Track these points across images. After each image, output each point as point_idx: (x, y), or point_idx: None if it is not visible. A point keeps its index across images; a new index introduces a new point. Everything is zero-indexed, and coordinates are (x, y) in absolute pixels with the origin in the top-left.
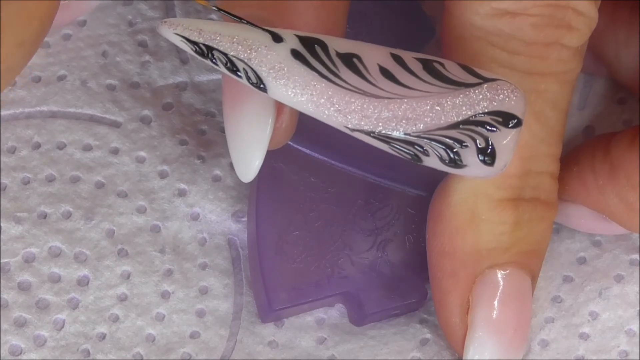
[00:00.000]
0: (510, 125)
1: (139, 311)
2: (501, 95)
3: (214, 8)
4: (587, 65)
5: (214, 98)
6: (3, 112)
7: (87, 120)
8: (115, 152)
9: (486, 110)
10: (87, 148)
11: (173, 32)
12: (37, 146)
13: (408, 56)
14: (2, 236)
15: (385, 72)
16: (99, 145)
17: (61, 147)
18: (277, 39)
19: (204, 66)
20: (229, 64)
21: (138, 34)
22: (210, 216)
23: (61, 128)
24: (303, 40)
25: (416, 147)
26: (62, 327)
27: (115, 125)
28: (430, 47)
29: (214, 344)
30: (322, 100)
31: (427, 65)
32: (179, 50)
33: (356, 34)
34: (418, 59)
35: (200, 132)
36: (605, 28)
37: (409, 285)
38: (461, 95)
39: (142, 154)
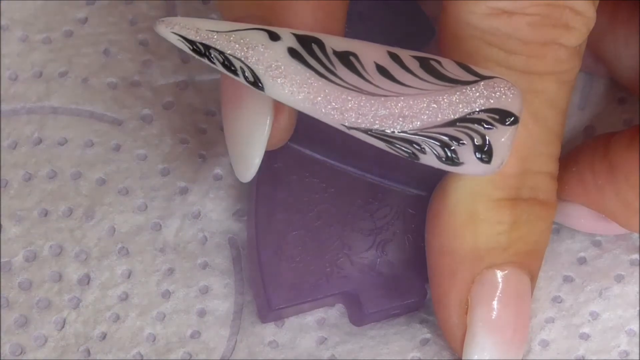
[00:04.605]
0: (507, 122)
1: (139, 311)
2: (498, 93)
3: None
4: (587, 65)
5: (214, 97)
6: (4, 107)
7: (88, 117)
8: (116, 149)
9: (483, 108)
10: (88, 144)
11: (170, 31)
12: (38, 142)
13: (405, 54)
14: (2, 235)
15: (382, 70)
16: (100, 142)
17: (62, 143)
18: (274, 37)
19: (204, 65)
20: (226, 63)
21: (139, 33)
22: (211, 215)
23: (62, 124)
24: (300, 38)
25: (413, 145)
26: (63, 327)
27: (116, 122)
28: (430, 47)
29: (214, 344)
30: (319, 99)
31: (424, 63)
32: (179, 49)
33: (355, 34)
34: (415, 57)
35: (201, 131)
36: (605, 28)
37: (408, 285)
38: (458, 93)
39: (143, 151)
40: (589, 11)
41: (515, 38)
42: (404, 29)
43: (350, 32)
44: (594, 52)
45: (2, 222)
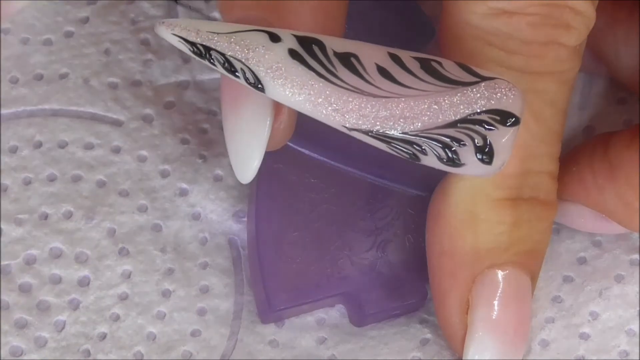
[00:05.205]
0: (508, 123)
1: (139, 310)
2: (499, 94)
3: None
4: (587, 64)
5: (215, 97)
6: (4, 111)
7: (89, 118)
8: (116, 150)
9: (484, 109)
10: (89, 147)
11: (171, 32)
12: (39, 145)
13: (406, 55)
14: (3, 238)
15: (383, 71)
16: (101, 144)
17: (62, 145)
18: (274, 38)
19: (205, 65)
20: (226, 65)
21: (140, 32)
22: (211, 216)
23: (63, 126)
24: (300, 39)
25: (414, 146)
26: (63, 328)
27: (116, 124)
28: (429, 47)
29: (214, 342)
30: (320, 100)
31: (425, 64)
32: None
33: (356, 34)
34: (416, 58)
35: (202, 131)
36: (604, 27)
37: (409, 286)
38: (459, 94)
39: (144, 152)
40: (589, 11)
41: (516, 38)
42: (404, 29)
43: (350, 32)
44: (594, 52)
45: (2, 226)
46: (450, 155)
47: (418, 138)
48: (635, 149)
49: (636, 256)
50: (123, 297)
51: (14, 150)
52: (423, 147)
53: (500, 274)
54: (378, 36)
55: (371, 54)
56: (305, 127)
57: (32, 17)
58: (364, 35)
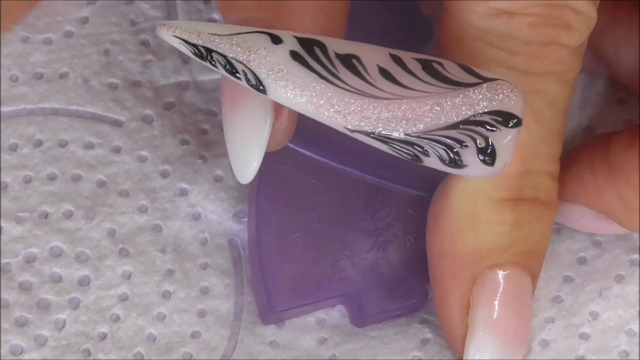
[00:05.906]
0: (510, 124)
1: (139, 311)
2: (501, 95)
3: None
4: (587, 64)
5: (215, 97)
6: (5, 109)
7: (89, 118)
8: (116, 150)
9: (486, 110)
10: (89, 146)
11: (172, 34)
12: (39, 144)
13: (407, 56)
14: (3, 236)
15: (385, 73)
16: (101, 144)
17: (63, 144)
18: (276, 40)
19: (205, 65)
20: (228, 66)
21: (140, 33)
22: (211, 216)
23: (63, 126)
24: (302, 41)
25: (416, 147)
26: (63, 326)
27: (117, 124)
28: (428, 48)
29: (214, 343)
30: (322, 102)
31: (426, 66)
32: None
33: (355, 36)
34: (417, 59)
35: (202, 132)
36: (605, 27)
37: (409, 286)
38: (461, 95)
39: (144, 153)
40: (590, 11)
41: (516, 38)
42: (402, 30)
43: (350, 33)
44: (594, 52)
45: (2, 224)
46: (452, 156)
47: (420, 139)
48: (635, 149)
49: (636, 256)
50: (123, 298)
51: (14, 148)
52: (425, 149)
53: (500, 274)
54: (377, 36)
55: (373, 55)
56: (305, 128)
57: (32, 15)
58: (363, 36)
